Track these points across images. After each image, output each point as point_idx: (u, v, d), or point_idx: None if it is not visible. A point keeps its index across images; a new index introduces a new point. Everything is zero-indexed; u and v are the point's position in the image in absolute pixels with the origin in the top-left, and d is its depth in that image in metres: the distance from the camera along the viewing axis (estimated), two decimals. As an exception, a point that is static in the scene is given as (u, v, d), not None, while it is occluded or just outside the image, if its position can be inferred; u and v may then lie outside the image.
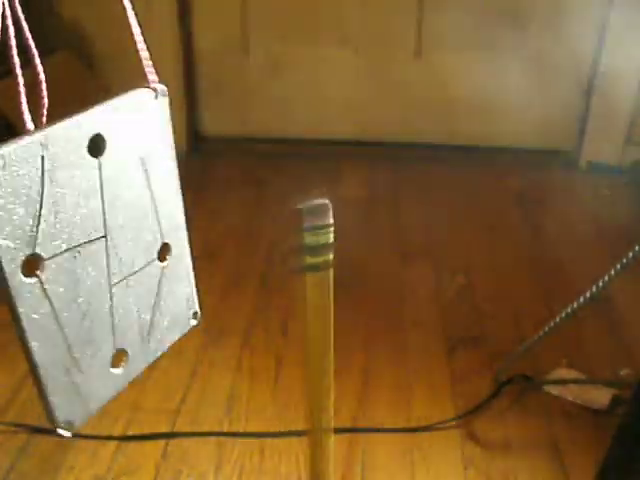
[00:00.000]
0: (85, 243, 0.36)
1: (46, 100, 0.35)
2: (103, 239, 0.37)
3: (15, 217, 0.33)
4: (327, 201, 0.40)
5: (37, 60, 0.34)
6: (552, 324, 1.16)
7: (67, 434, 0.37)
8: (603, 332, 1.46)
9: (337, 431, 1.07)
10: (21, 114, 0.34)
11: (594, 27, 2.03)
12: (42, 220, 0.34)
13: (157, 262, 0.41)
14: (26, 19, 0.34)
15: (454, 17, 2.08)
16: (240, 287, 1.59)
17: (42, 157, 0.34)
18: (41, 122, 0.34)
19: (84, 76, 2.11)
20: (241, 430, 1.20)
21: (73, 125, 0.35)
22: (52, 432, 1.15)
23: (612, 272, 1.04)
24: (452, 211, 1.96)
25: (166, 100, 0.41)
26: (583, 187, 2.11)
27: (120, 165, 0.38)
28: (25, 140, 0.33)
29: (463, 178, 2.13)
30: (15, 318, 0.36)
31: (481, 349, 1.41)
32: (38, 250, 0.34)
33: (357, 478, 1.11)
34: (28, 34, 0.33)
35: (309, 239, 0.39)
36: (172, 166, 0.43)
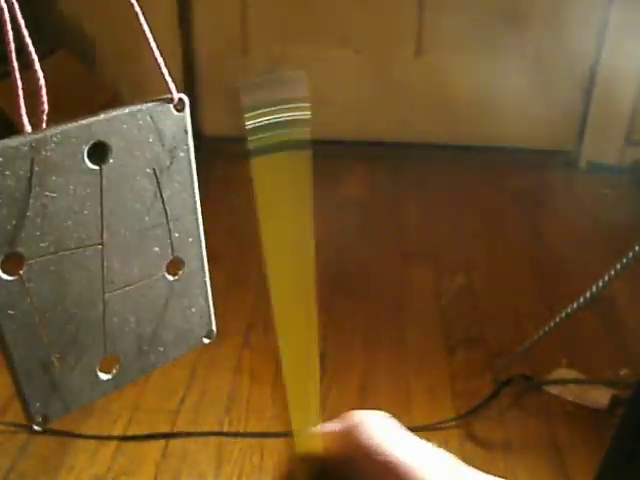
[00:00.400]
0: (76, 248, 0.36)
1: (45, 101, 0.35)
2: (99, 246, 0.37)
3: None
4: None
5: (36, 60, 0.34)
6: (552, 324, 1.16)
7: (38, 428, 0.37)
8: (603, 332, 1.46)
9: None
10: (19, 116, 0.33)
11: (594, 27, 2.03)
12: (27, 222, 0.34)
13: (165, 276, 0.41)
14: (26, 18, 0.34)
15: (454, 17, 2.08)
16: (240, 287, 1.59)
17: (32, 160, 0.33)
18: (40, 124, 0.34)
19: (85, 76, 2.11)
20: (241, 430, 1.20)
21: (71, 130, 0.35)
22: (52, 432, 1.14)
23: (612, 272, 1.04)
24: (452, 211, 1.96)
25: (187, 111, 0.40)
26: (583, 187, 2.11)
27: (126, 175, 0.37)
28: (14, 141, 0.33)
29: (463, 178, 2.13)
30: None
31: (481, 349, 1.41)
32: (20, 249, 0.34)
33: (357, 478, 1.11)
34: (26, 33, 0.33)
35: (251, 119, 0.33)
36: (190, 180, 0.42)
